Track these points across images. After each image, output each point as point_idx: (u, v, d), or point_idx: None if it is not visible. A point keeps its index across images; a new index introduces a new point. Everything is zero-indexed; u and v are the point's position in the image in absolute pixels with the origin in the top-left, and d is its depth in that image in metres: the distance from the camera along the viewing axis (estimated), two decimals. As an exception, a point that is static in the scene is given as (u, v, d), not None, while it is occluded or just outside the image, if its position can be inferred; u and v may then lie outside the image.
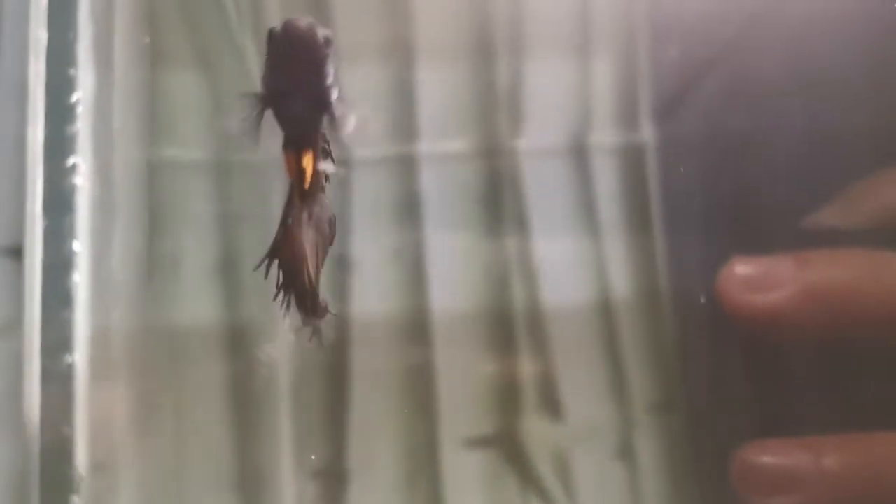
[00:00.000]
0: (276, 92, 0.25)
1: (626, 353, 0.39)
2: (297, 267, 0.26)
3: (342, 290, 0.38)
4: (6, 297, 0.39)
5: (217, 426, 0.37)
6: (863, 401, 0.33)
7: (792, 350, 0.34)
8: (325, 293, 0.27)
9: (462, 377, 0.38)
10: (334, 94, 0.25)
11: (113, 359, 0.31)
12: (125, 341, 0.32)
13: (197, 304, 0.37)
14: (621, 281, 0.39)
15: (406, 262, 0.39)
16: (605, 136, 0.40)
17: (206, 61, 0.36)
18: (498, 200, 0.39)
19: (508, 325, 0.39)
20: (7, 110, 0.37)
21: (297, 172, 0.25)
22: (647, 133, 0.40)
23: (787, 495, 0.30)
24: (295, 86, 0.25)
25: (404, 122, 0.39)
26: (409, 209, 0.39)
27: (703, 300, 0.36)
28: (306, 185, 0.26)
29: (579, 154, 0.40)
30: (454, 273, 0.39)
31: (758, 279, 0.31)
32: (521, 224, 0.39)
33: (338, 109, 0.25)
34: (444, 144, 0.39)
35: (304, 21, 0.24)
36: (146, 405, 0.35)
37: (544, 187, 0.39)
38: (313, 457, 0.36)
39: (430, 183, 0.39)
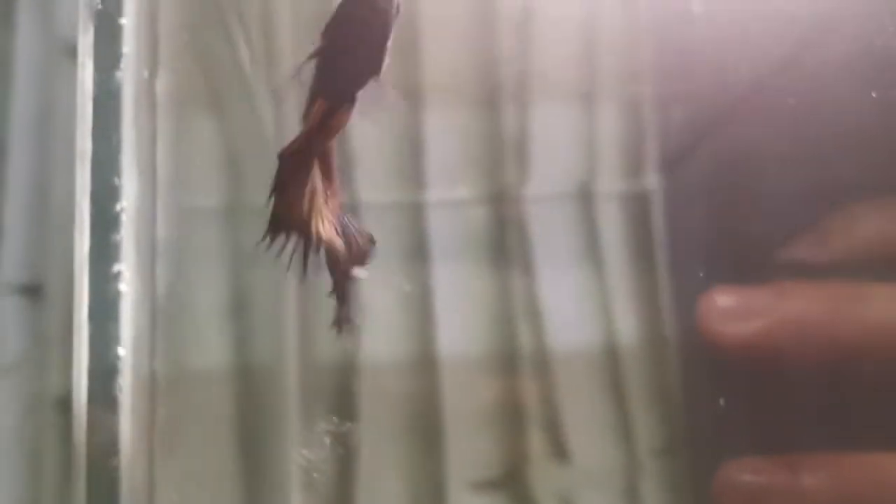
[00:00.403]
0: (337, 43, 0.25)
1: (631, 396, 0.39)
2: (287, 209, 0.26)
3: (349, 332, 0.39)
4: (18, 332, 0.40)
5: (224, 466, 0.37)
6: (868, 434, 0.33)
7: (798, 393, 0.35)
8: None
9: (469, 419, 0.39)
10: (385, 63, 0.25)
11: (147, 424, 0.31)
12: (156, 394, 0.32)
13: (208, 347, 0.38)
14: (626, 325, 0.40)
15: (413, 305, 0.39)
16: (610, 183, 0.40)
17: (218, 105, 0.36)
18: (504, 245, 0.40)
19: (515, 367, 0.39)
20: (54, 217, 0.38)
21: (320, 124, 0.25)
22: (653, 180, 0.40)
23: None
24: (359, 43, 0.25)
25: (412, 167, 0.40)
26: (416, 253, 0.40)
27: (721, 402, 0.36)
28: (326, 139, 0.25)
29: (585, 200, 0.40)
30: (461, 317, 0.39)
31: (737, 309, 0.32)
32: (528, 269, 0.40)
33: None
34: (451, 190, 0.40)
35: None
36: (162, 448, 0.35)
37: (550, 233, 0.40)
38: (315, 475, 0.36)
39: (438, 228, 0.40)
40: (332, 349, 0.39)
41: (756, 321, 0.32)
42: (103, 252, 0.22)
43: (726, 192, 0.38)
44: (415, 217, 0.40)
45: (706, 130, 0.38)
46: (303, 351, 0.38)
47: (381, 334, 0.39)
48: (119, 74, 0.23)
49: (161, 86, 0.25)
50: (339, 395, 0.38)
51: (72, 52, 0.42)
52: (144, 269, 0.25)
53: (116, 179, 0.23)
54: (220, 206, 0.37)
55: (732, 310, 0.32)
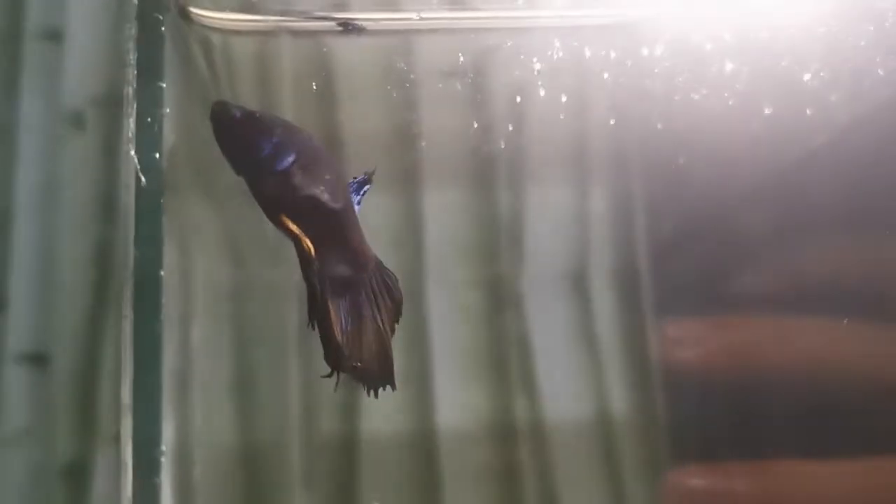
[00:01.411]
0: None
1: (624, 468, 0.40)
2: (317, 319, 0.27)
3: (350, 409, 0.40)
4: (25, 401, 0.40)
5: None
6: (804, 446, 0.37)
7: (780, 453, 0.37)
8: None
9: (467, 492, 0.40)
10: (282, 159, 0.26)
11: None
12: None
13: (213, 424, 0.39)
14: (619, 398, 0.41)
15: (413, 382, 0.40)
16: (603, 263, 0.42)
17: (219, 194, 0.37)
18: (501, 324, 0.41)
19: (512, 441, 0.40)
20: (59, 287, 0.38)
21: (291, 236, 0.26)
22: (643, 261, 0.42)
23: None
24: (239, 166, 0.26)
25: (411, 249, 0.41)
26: (415, 332, 0.41)
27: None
28: (304, 247, 0.26)
29: (579, 280, 0.42)
30: (460, 392, 0.40)
31: (683, 339, 0.37)
32: (524, 346, 0.41)
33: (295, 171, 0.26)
34: (449, 271, 0.41)
35: (218, 106, 0.26)
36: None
37: (545, 311, 0.41)
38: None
39: (436, 307, 0.41)
40: (334, 425, 0.40)
41: (699, 349, 0.37)
42: (147, 496, 0.23)
43: (713, 278, 0.40)
44: (414, 295, 0.41)
45: (698, 218, 0.39)
46: (305, 427, 0.40)
47: (381, 410, 0.40)
48: (158, 326, 0.24)
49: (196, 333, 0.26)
50: (340, 470, 0.39)
51: (77, 122, 0.43)
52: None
53: (156, 427, 0.24)
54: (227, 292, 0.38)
55: (679, 339, 0.37)
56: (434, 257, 0.41)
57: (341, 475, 0.39)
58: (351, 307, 0.27)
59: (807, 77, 0.33)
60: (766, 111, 0.34)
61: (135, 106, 0.25)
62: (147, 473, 0.24)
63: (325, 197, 0.26)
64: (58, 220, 0.42)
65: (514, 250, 0.41)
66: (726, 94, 0.34)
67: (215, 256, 0.32)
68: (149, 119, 0.24)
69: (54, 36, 0.42)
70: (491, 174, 0.42)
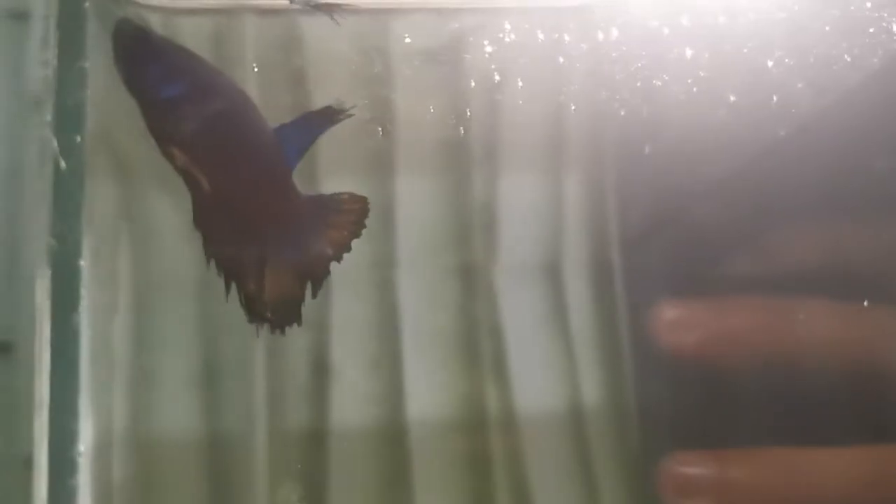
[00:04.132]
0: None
1: (596, 459, 0.40)
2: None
3: (320, 398, 0.39)
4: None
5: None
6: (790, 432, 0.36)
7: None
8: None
9: (438, 484, 0.40)
10: (170, 87, 0.25)
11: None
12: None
13: (176, 416, 0.38)
14: (591, 389, 0.40)
15: (383, 371, 0.40)
16: (576, 252, 0.41)
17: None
18: (473, 312, 0.40)
19: (482, 432, 0.40)
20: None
21: (180, 172, 0.25)
22: (616, 250, 0.41)
23: (698, 499, 0.35)
24: (131, 89, 0.25)
25: (382, 237, 0.40)
26: (386, 320, 0.40)
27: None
28: (193, 184, 0.25)
29: (552, 269, 0.41)
30: (430, 382, 0.40)
31: (682, 321, 0.36)
32: (496, 335, 0.40)
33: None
34: (421, 259, 0.41)
35: (120, 23, 0.25)
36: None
37: (518, 299, 0.41)
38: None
39: (408, 295, 0.40)
40: (302, 415, 0.39)
41: (698, 332, 0.36)
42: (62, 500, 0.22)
43: (686, 269, 0.39)
44: (386, 284, 0.40)
45: (668, 207, 0.39)
46: (272, 418, 0.39)
47: (350, 400, 0.40)
48: (77, 317, 0.23)
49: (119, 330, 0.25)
50: (309, 461, 0.39)
51: (40, 109, 0.42)
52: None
53: (74, 423, 0.23)
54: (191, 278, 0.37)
55: (678, 321, 0.36)
56: (406, 245, 0.41)
57: (310, 467, 0.39)
58: (264, 256, 0.26)
59: (770, 63, 0.32)
60: (731, 98, 0.33)
61: (55, 87, 0.24)
62: (62, 473, 0.23)
63: (226, 135, 0.24)
64: (21, 207, 0.41)
65: (488, 238, 0.41)
66: (689, 81, 0.33)
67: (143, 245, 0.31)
68: (69, 101, 0.23)
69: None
70: (465, 161, 0.41)
